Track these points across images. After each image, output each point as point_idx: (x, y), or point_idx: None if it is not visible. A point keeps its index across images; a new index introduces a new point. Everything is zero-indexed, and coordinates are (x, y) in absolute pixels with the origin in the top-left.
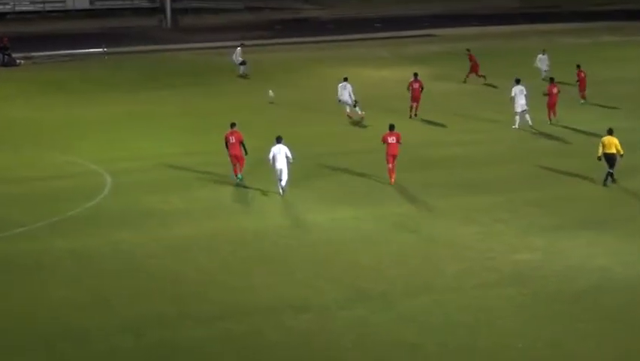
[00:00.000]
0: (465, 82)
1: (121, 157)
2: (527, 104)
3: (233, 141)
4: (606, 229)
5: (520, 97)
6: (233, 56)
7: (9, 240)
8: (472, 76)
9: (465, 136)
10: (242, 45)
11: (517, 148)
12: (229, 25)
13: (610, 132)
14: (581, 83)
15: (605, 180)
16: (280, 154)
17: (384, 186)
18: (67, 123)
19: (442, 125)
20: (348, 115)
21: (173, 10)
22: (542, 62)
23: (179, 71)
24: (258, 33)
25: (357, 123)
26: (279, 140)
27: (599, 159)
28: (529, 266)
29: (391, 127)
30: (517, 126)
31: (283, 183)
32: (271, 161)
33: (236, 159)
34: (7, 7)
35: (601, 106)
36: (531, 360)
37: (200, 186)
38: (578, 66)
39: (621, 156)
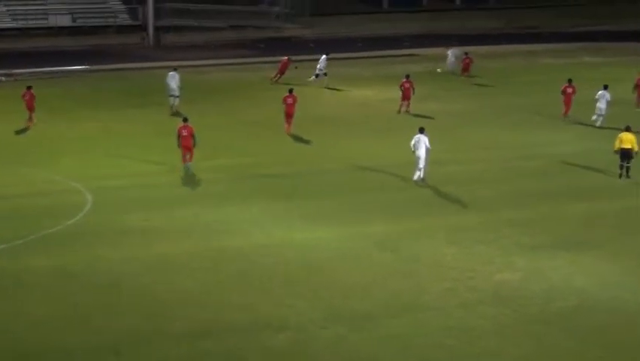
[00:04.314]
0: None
1: (102, 175)
2: (605, 108)
3: (185, 133)
4: (586, 250)
5: (601, 101)
6: (319, 66)
7: None
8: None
9: (446, 155)
10: (328, 54)
11: (498, 168)
12: (212, 44)
13: (628, 129)
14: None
15: (620, 174)
16: (420, 143)
17: (365, 205)
18: (48, 140)
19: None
20: (172, 107)
21: (155, 28)
22: (451, 55)
23: (160, 89)
24: (241, 51)
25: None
26: (421, 130)
27: (616, 152)
28: (510, 286)
29: (290, 90)
30: (597, 124)
31: (422, 172)
32: (412, 148)
33: (186, 150)
34: None
35: (584, 125)
36: None
37: (180, 205)
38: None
39: (636, 153)
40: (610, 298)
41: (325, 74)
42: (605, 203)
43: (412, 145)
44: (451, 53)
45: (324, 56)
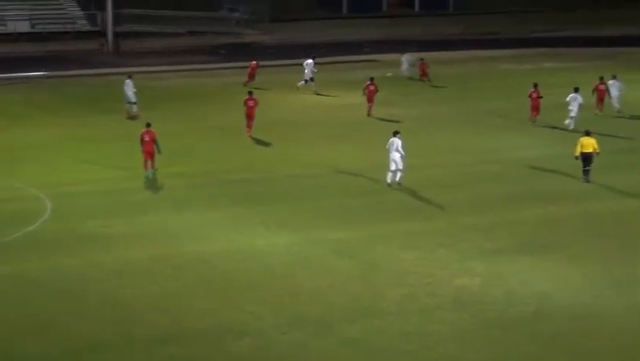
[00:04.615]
0: None
1: (62, 181)
2: (577, 111)
3: (148, 139)
4: (546, 254)
5: (573, 104)
6: (306, 71)
7: None
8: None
9: (406, 160)
10: (314, 58)
11: (458, 173)
12: (171, 50)
13: (587, 133)
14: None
15: (584, 176)
16: (393, 145)
17: (325, 211)
18: (7, 147)
19: (382, 151)
20: (128, 113)
21: (114, 34)
22: (405, 62)
23: (120, 95)
24: (201, 57)
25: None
26: (395, 133)
27: (577, 158)
28: (469, 291)
29: (250, 93)
30: (571, 127)
31: (398, 175)
32: (388, 150)
33: (149, 155)
34: None
35: (550, 129)
36: None
37: (141, 210)
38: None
39: (597, 153)
40: (571, 302)
41: (312, 80)
42: (567, 207)
43: (387, 148)
44: (405, 59)
45: (310, 61)
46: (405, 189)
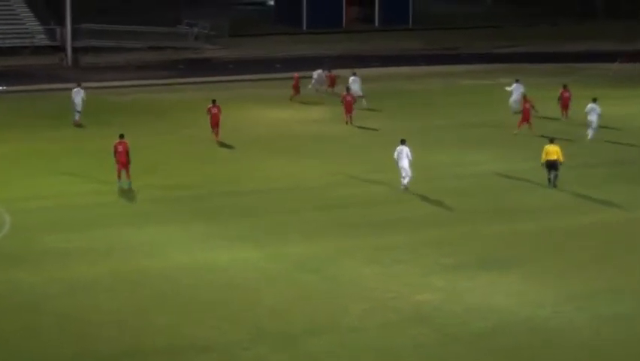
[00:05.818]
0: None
1: (20, 196)
2: (597, 121)
3: (121, 150)
4: (506, 269)
5: (591, 114)
6: (354, 89)
7: None
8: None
9: (366, 176)
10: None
11: (422, 188)
12: (131, 64)
13: (552, 141)
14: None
15: (549, 183)
16: (402, 153)
17: (287, 226)
18: None
19: (344, 165)
20: (76, 121)
21: (74, 49)
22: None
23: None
24: (161, 72)
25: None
26: (403, 142)
27: (542, 165)
28: (430, 306)
29: (214, 101)
30: (589, 137)
31: (406, 180)
32: (396, 158)
33: (122, 166)
34: None
35: (517, 142)
36: None
37: (102, 225)
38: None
39: (561, 163)
40: (530, 317)
41: (362, 96)
42: (529, 222)
43: (395, 157)
44: (317, 75)
45: (353, 77)
46: (366, 204)
